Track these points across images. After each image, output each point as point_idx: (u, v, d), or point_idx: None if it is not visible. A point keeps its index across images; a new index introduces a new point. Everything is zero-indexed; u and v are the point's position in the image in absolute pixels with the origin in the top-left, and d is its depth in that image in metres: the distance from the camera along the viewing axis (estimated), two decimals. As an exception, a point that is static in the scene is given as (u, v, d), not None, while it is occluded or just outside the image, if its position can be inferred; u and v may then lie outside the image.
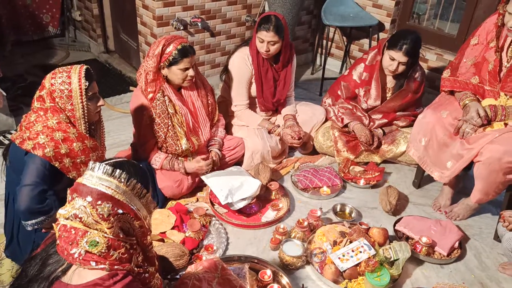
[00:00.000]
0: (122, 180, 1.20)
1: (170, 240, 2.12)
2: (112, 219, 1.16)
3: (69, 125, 1.82)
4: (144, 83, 2.29)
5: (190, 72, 2.29)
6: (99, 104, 1.91)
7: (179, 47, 2.22)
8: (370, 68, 2.82)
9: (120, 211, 1.18)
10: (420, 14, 4.08)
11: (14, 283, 1.29)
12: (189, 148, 2.42)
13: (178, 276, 1.91)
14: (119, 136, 3.07)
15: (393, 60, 2.61)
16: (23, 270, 1.26)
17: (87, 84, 1.80)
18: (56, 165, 1.77)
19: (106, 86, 3.76)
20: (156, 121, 2.33)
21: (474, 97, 2.34)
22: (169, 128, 2.35)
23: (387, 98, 2.86)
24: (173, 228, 2.19)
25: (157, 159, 2.40)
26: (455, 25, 3.78)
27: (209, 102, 2.57)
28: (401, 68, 2.65)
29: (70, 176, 1.83)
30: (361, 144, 2.85)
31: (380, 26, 3.92)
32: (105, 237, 1.16)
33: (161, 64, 2.26)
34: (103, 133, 2.11)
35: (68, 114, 1.82)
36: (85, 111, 1.83)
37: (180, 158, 2.47)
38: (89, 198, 1.15)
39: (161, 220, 2.21)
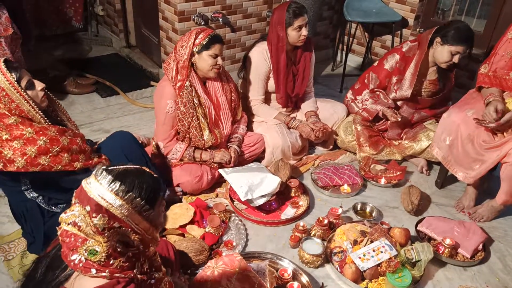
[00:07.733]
0: (120, 193, 1.11)
1: (190, 235, 2.13)
2: (108, 233, 1.10)
3: (22, 126, 1.71)
4: (174, 71, 2.33)
5: (219, 60, 2.34)
6: (39, 88, 1.77)
7: (211, 34, 2.32)
8: (406, 58, 2.73)
9: (117, 224, 1.12)
10: (445, 10, 3.98)
11: (23, 285, 1.28)
12: (212, 139, 2.44)
13: (198, 271, 1.91)
14: (139, 131, 3.09)
15: (457, 54, 2.56)
16: (31, 273, 1.25)
17: (14, 75, 1.68)
18: (37, 170, 1.71)
19: (127, 80, 3.78)
20: (181, 109, 2.34)
21: (499, 98, 2.28)
22: (194, 118, 2.37)
23: (422, 92, 2.80)
24: (193, 223, 2.20)
25: (178, 149, 2.42)
26: (481, 22, 3.67)
27: (233, 98, 2.58)
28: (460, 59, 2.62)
29: (56, 170, 1.77)
30: (391, 117, 2.71)
31: (403, 22, 3.84)
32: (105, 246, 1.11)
33: (193, 50, 2.30)
34: (64, 109, 2.01)
35: (17, 113, 1.72)
36: (30, 102, 1.72)
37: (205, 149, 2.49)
38: (88, 208, 1.10)
39: (180, 214, 2.22)
